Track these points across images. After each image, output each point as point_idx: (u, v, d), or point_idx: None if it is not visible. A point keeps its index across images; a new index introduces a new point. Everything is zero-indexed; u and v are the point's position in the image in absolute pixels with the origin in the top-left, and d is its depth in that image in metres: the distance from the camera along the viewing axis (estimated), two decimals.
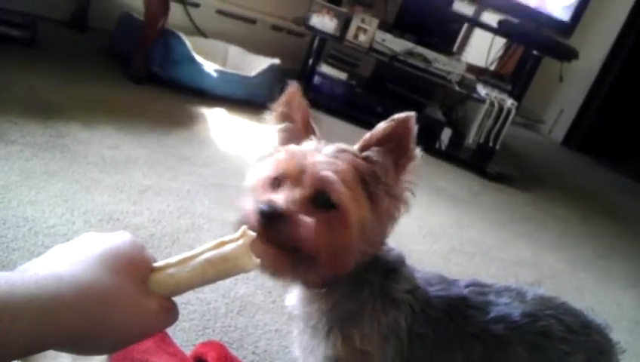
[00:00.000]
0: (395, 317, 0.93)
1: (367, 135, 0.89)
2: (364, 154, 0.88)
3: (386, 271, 0.94)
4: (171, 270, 0.71)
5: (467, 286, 1.02)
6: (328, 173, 0.84)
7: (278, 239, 0.81)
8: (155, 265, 0.71)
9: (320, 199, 0.83)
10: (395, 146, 0.87)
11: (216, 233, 1.69)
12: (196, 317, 1.32)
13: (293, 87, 0.94)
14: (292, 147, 0.89)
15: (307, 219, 0.81)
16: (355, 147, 0.90)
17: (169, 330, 1.19)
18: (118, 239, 0.69)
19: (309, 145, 0.90)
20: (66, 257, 0.64)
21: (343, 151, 0.88)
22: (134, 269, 0.67)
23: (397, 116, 0.86)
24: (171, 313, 0.70)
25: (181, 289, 0.71)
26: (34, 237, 1.37)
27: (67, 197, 1.58)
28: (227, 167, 2.15)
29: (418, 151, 0.88)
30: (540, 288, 1.09)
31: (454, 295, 0.99)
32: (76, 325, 0.59)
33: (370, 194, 0.87)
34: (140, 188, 1.77)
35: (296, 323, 0.99)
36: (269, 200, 0.81)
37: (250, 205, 0.83)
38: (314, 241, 0.81)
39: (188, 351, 1.17)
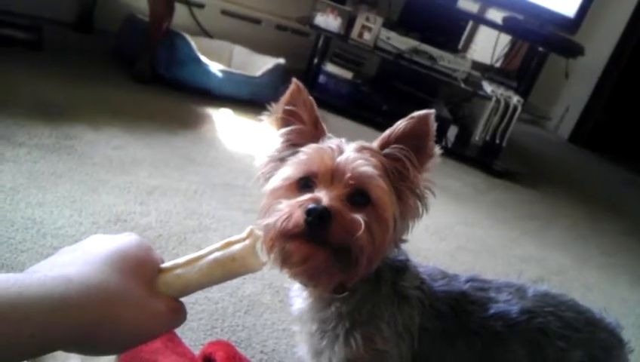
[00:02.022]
0: (409, 314, 0.93)
1: (387, 132, 0.89)
2: (385, 151, 0.88)
3: (396, 269, 0.95)
4: (179, 271, 0.71)
5: (467, 281, 1.02)
6: (367, 168, 0.83)
7: (328, 238, 0.79)
8: (163, 266, 0.71)
9: (355, 197, 0.83)
10: (415, 144, 0.88)
11: (224, 233, 1.70)
12: (204, 317, 1.32)
13: (296, 85, 0.93)
14: (317, 145, 0.88)
15: (358, 217, 0.80)
16: (375, 144, 0.89)
17: (177, 330, 1.19)
18: (125, 240, 0.69)
19: (332, 142, 0.89)
20: (74, 259, 0.65)
21: (365, 148, 0.88)
22: (142, 270, 0.68)
23: (416, 113, 0.87)
24: (179, 313, 0.71)
25: (189, 289, 0.72)
26: (42, 239, 1.37)
27: (75, 198, 1.59)
28: (234, 168, 2.15)
29: (437, 149, 0.89)
30: (544, 285, 1.09)
31: (456, 290, 0.99)
32: (85, 326, 0.60)
33: (396, 191, 0.87)
34: (147, 189, 1.78)
35: (303, 325, 0.98)
36: (315, 199, 0.80)
37: (287, 207, 0.82)
38: (365, 239, 0.81)
39: (196, 351, 1.17)
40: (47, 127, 1.90)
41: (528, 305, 1.01)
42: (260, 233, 0.75)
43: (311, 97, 0.93)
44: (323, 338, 0.94)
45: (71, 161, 1.77)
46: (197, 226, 1.69)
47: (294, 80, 0.93)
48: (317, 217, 0.78)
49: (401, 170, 0.88)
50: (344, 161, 0.84)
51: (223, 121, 2.60)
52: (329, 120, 3.03)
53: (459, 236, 2.32)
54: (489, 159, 3.38)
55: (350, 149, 0.87)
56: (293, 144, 0.92)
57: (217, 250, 0.73)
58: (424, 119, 0.87)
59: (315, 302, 0.95)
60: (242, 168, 2.15)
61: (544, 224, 2.86)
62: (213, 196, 1.89)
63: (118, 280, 0.64)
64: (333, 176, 0.84)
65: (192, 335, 1.26)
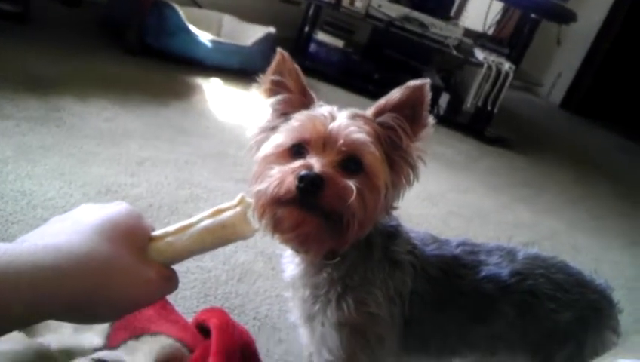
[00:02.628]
0: (401, 279, 0.94)
1: (382, 101, 0.89)
2: (379, 119, 0.88)
3: (388, 235, 0.95)
4: (170, 238, 0.71)
5: (458, 245, 1.03)
6: (360, 136, 0.83)
7: (319, 204, 0.79)
8: (154, 233, 0.71)
9: (348, 163, 0.83)
10: (409, 113, 0.88)
11: (215, 202, 1.68)
12: (197, 285, 1.33)
13: (281, 55, 0.92)
14: (308, 112, 0.88)
15: (349, 182, 0.80)
16: (369, 112, 0.89)
17: (170, 298, 1.20)
18: (115, 209, 0.69)
19: (325, 109, 0.88)
20: (64, 228, 0.64)
21: (358, 115, 0.87)
22: (132, 238, 0.67)
23: (412, 83, 0.87)
24: (171, 281, 0.71)
25: (180, 256, 0.72)
26: (32, 211, 1.37)
27: (64, 170, 1.58)
28: (224, 138, 2.14)
29: (431, 119, 0.89)
30: (534, 248, 1.10)
31: (447, 254, 1.00)
32: (75, 294, 0.60)
33: (388, 159, 0.87)
34: (138, 160, 1.77)
35: (295, 291, 0.99)
36: (307, 165, 0.80)
37: (278, 174, 0.81)
38: (357, 205, 0.80)
39: (190, 318, 1.18)
40: (35, 100, 1.88)
41: (518, 268, 1.01)
42: (250, 200, 0.75)
43: (296, 65, 0.92)
44: (315, 303, 0.95)
45: (60, 133, 1.76)
46: (188, 196, 1.69)
47: (279, 49, 0.92)
48: (309, 183, 0.78)
49: (394, 139, 0.88)
50: (337, 128, 0.83)
51: (213, 91, 2.58)
52: (320, 89, 3.01)
53: (451, 202, 2.32)
54: (481, 126, 3.37)
55: (343, 116, 0.86)
56: (284, 113, 0.91)
57: (208, 217, 0.72)
58: (420, 89, 0.87)
59: (307, 268, 0.95)
60: (233, 138, 2.14)
61: (536, 190, 2.87)
62: (205, 166, 1.89)
63: (109, 248, 0.64)
64: (325, 142, 0.83)
65: (185, 303, 1.27)
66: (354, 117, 0.87)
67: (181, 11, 2.63)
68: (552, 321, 1.02)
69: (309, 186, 0.78)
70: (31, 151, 1.61)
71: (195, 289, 1.32)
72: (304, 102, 0.91)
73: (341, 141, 0.82)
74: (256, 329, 1.28)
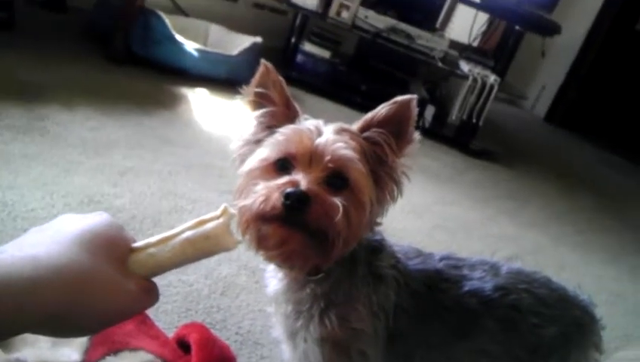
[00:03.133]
0: (384, 293, 0.94)
1: (369, 115, 0.89)
2: (365, 134, 0.87)
3: (372, 249, 0.95)
4: (151, 250, 0.70)
5: (441, 259, 1.02)
6: (347, 152, 0.83)
7: (305, 222, 0.79)
8: (135, 245, 0.70)
9: (333, 180, 0.82)
10: (395, 129, 0.87)
11: (200, 214, 1.66)
12: (179, 299, 1.32)
13: (265, 66, 0.91)
14: (294, 126, 0.87)
15: (335, 200, 0.79)
16: (355, 127, 0.89)
17: (151, 312, 1.19)
18: (95, 220, 0.68)
19: (311, 123, 0.88)
20: (43, 238, 0.63)
21: (345, 130, 0.87)
22: (113, 249, 0.66)
23: (399, 98, 0.87)
24: (151, 294, 0.70)
25: (162, 268, 0.71)
26: (13, 222, 1.35)
27: (47, 180, 1.57)
28: (210, 148, 2.13)
29: (417, 135, 0.89)
30: (517, 262, 1.10)
31: (430, 268, 1.00)
32: (54, 306, 0.59)
33: (373, 175, 0.87)
34: (121, 170, 1.76)
35: (278, 307, 0.98)
36: (293, 182, 0.79)
37: (264, 190, 0.81)
38: (342, 222, 0.80)
39: (171, 333, 1.17)
40: (18, 108, 1.86)
41: (502, 282, 1.01)
42: (233, 211, 0.74)
43: (280, 78, 0.91)
44: (298, 318, 0.94)
45: (43, 142, 1.74)
46: (172, 207, 1.68)
47: (263, 61, 0.92)
48: (295, 201, 0.77)
49: (380, 155, 0.87)
50: (323, 143, 0.83)
51: (199, 100, 2.58)
52: (307, 100, 3.02)
53: (436, 215, 2.33)
54: (466, 139, 3.39)
55: (329, 131, 0.86)
56: (268, 126, 0.91)
57: (190, 228, 0.71)
58: (406, 105, 0.87)
59: (291, 284, 0.94)
60: (218, 149, 2.14)
61: (521, 203, 2.89)
62: (189, 177, 1.88)
63: (89, 259, 0.63)
64: (311, 158, 0.83)
65: (166, 317, 1.25)
66: (340, 132, 0.86)
67: (167, 20, 2.63)
68: (536, 336, 1.02)
69: (296, 203, 0.77)
70: (13, 160, 1.60)
71: (177, 303, 1.31)
72: (289, 115, 0.91)
73: (328, 157, 0.82)
74: (238, 345, 1.27)
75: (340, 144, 0.83)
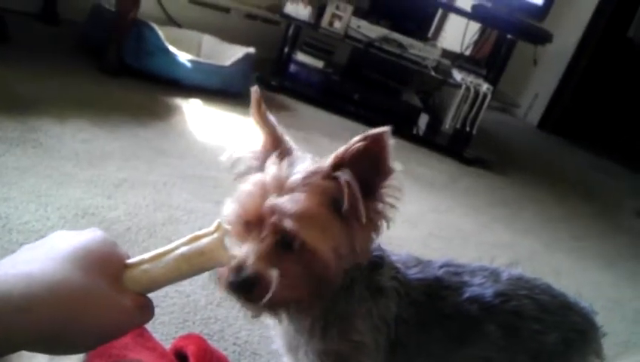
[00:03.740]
0: (385, 305, 0.93)
1: (341, 150, 0.83)
2: (335, 174, 0.82)
3: (372, 266, 0.93)
4: (145, 266, 0.70)
5: (441, 266, 1.01)
6: (296, 210, 0.79)
7: (256, 301, 0.79)
8: (129, 261, 0.70)
9: (285, 240, 0.80)
10: (370, 164, 0.82)
11: (195, 225, 1.68)
12: (176, 310, 1.31)
13: (255, 94, 0.88)
14: (254, 179, 0.84)
15: (270, 275, 0.78)
16: (327, 163, 0.83)
17: (148, 324, 1.18)
18: (89, 236, 0.68)
19: (273, 172, 0.83)
20: (37, 255, 0.63)
21: (313, 174, 0.82)
22: (107, 266, 0.66)
23: (370, 133, 0.80)
24: (147, 310, 0.69)
25: (156, 284, 0.70)
26: (7, 235, 1.34)
27: (40, 192, 1.56)
28: (204, 159, 2.13)
29: (397, 166, 0.83)
30: (517, 268, 1.10)
31: (430, 276, 0.99)
32: (49, 324, 0.58)
33: (352, 214, 0.82)
34: (115, 182, 1.75)
35: (277, 322, 0.96)
36: (237, 268, 0.79)
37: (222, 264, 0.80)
38: (285, 292, 0.79)
39: (168, 345, 1.16)
40: (11, 120, 1.85)
41: (502, 288, 1.01)
42: (227, 226, 0.74)
43: (271, 118, 0.89)
44: (299, 335, 0.93)
45: (36, 154, 1.73)
46: (167, 219, 1.67)
47: (254, 89, 0.88)
48: (237, 290, 0.79)
49: (355, 194, 0.81)
50: (272, 204, 0.80)
51: (193, 111, 2.57)
52: (300, 110, 3.02)
53: (431, 224, 2.33)
54: (460, 147, 3.40)
55: (291, 180, 0.82)
56: (260, 158, 0.90)
57: (185, 244, 0.71)
58: (378, 139, 0.80)
59: None
60: (213, 159, 2.13)
61: (515, 210, 2.89)
62: (184, 188, 1.87)
63: (83, 276, 0.62)
64: (261, 220, 0.81)
65: (164, 329, 1.24)
66: (306, 177, 0.82)
67: (160, 31, 2.63)
68: (537, 342, 1.01)
69: (237, 291, 0.79)
70: (6, 173, 1.59)
71: (174, 314, 1.30)
72: (281, 151, 0.88)
73: (273, 219, 0.79)
74: (236, 356, 1.26)
75: (289, 204, 0.79)
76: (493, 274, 1.04)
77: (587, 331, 1.06)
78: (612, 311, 2.09)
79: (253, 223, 0.82)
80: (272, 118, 0.89)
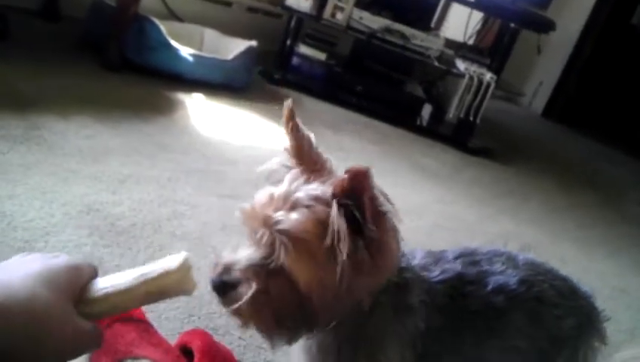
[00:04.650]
0: (413, 323, 0.90)
1: (338, 179, 0.78)
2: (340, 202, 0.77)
3: (397, 288, 0.89)
4: (108, 290, 0.72)
5: (456, 257, 0.99)
6: (282, 238, 0.76)
7: (225, 303, 0.81)
8: (92, 285, 0.72)
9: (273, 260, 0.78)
10: (357, 203, 0.76)
11: (199, 219, 1.68)
12: (181, 306, 1.31)
13: (287, 108, 0.85)
14: (266, 190, 0.82)
15: (248, 286, 0.78)
16: (329, 190, 0.79)
17: (153, 320, 1.18)
18: (54, 260, 0.70)
19: (283, 187, 0.81)
20: (3, 273, 0.65)
21: (315, 198, 0.78)
22: (70, 289, 0.67)
23: (351, 168, 0.74)
24: (99, 336, 0.71)
25: (116, 310, 0.74)
26: (13, 232, 1.34)
27: (45, 189, 1.56)
28: (208, 153, 2.13)
29: (389, 207, 0.79)
30: (530, 252, 1.09)
31: (452, 274, 0.96)
32: (9, 340, 0.59)
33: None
34: (120, 178, 1.76)
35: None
36: (226, 268, 0.80)
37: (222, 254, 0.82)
38: (259, 308, 0.79)
39: (173, 340, 1.16)
40: (15, 118, 1.86)
41: (523, 275, 1.00)
42: (191, 263, 0.75)
43: (304, 133, 0.85)
44: (323, 356, 0.91)
45: (40, 151, 1.73)
46: (171, 213, 1.67)
47: (286, 105, 0.85)
48: (215, 290, 0.81)
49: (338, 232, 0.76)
50: (267, 218, 0.78)
51: (196, 106, 2.57)
52: (303, 102, 3.01)
53: (435, 215, 2.32)
54: (464, 137, 3.39)
55: (298, 197, 0.79)
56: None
57: (148, 270, 0.73)
58: (358, 177, 0.74)
59: None
60: (216, 153, 2.13)
61: (520, 200, 2.88)
62: (188, 182, 1.87)
63: (48, 296, 0.64)
64: (257, 234, 0.80)
65: (169, 324, 1.25)
66: (310, 199, 0.78)
67: (162, 26, 2.62)
68: (557, 328, 1.02)
69: (216, 290, 0.81)
70: (11, 170, 1.59)
71: (179, 309, 1.30)
72: (307, 167, 0.84)
73: (265, 238, 0.78)
74: (241, 350, 1.26)
75: (278, 226, 0.77)
76: (510, 259, 1.03)
77: (592, 314, 1.07)
78: (617, 299, 2.09)
79: (250, 233, 0.81)
80: (305, 132, 0.85)
